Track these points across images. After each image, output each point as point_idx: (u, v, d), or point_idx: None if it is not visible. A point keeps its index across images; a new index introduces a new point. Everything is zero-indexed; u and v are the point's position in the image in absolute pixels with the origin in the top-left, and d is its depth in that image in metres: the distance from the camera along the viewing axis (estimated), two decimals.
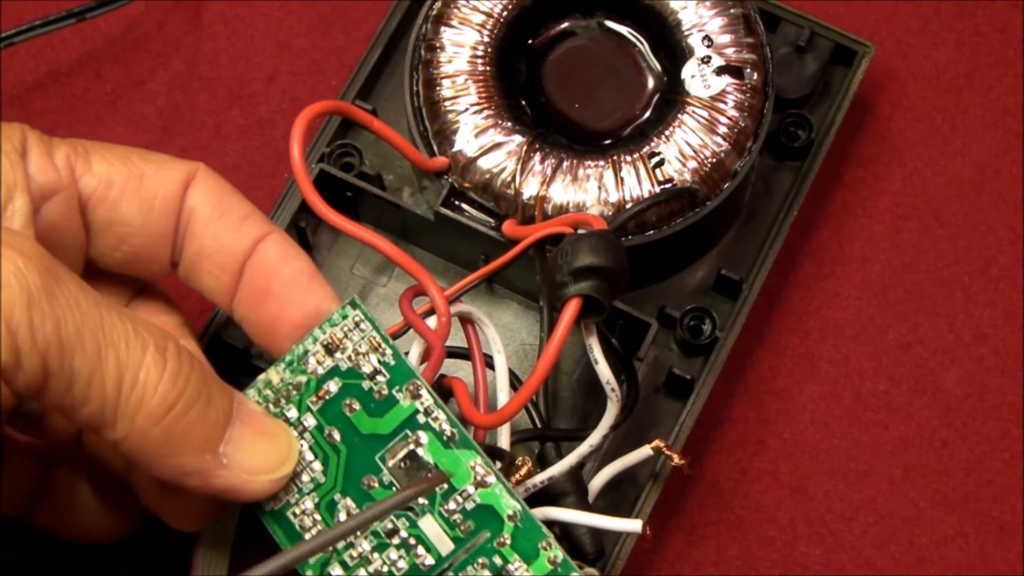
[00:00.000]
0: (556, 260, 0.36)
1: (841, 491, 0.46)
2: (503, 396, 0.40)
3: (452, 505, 0.35)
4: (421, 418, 0.35)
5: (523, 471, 0.39)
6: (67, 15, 0.49)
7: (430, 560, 0.35)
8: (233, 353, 0.44)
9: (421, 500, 0.35)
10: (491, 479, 0.35)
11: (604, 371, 0.37)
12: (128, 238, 0.37)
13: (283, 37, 0.52)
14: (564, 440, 0.41)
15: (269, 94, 0.52)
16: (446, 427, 0.35)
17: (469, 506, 0.35)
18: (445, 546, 0.34)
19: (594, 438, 0.38)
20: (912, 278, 0.49)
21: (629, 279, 0.37)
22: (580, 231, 0.38)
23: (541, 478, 0.38)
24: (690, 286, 0.46)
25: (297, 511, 0.36)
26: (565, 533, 0.40)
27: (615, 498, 0.43)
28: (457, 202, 0.45)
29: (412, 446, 0.35)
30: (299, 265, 0.38)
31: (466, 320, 0.40)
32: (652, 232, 0.43)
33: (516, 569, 0.34)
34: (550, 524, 0.39)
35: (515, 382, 0.41)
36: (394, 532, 0.35)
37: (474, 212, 0.45)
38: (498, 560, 0.34)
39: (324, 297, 0.38)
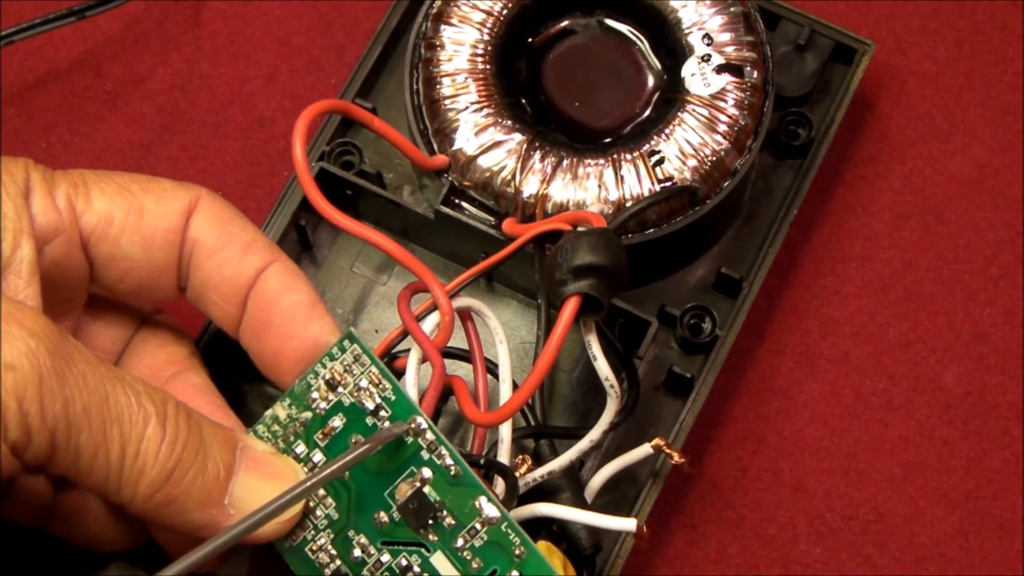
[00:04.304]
0: (556, 258, 0.36)
1: (841, 489, 0.46)
2: (506, 387, 0.40)
3: (461, 542, 0.35)
4: (425, 455, 0.35)
5: (522, 469, 0.39)
6: (67, 13, 0.49)
7: None
8: (235, 350, 0.44)
9: (432, 537, 0.35)
10: (496, 514, 0.34)
11: (603, 368, 0.37)
12: (131, 272, 0.37)
13: (283, 35, 0.52)
14: (562, 438, 0.41)
15: (269, 92, 0.52)
16: (450, 463, 0.35)
17: (477, 543, 0.35)
18: None
19: (594, 434, 0.38)
20: (912, 276, 0.49)
21: (629, 277, 0.37)
22: (580, 229, 0.38)
23: (541, 472, 0.39)
24: (690, 284, 0.46)
25: (314, 547, 0.36)
26: (562, 529, 0.40)
27: (615, 496, 0.43)
28: (457, 200, 0.45)
29: (418, 484, 0.35)
30: (298, 297, 0.38)
31: (466, 316, 0.40)
32: (652, 230, 0.43)
33: None
34: (547, 520, 0.39)
35: (514, 381, 0.41)
36: (407, 569, 0.35)
37: (474, 210, 0.45)
38: None
39: (324, 330, 0.38)
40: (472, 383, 0.40)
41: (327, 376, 0.36)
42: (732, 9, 0.45)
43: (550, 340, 0.35)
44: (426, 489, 0.35)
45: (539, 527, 0.40)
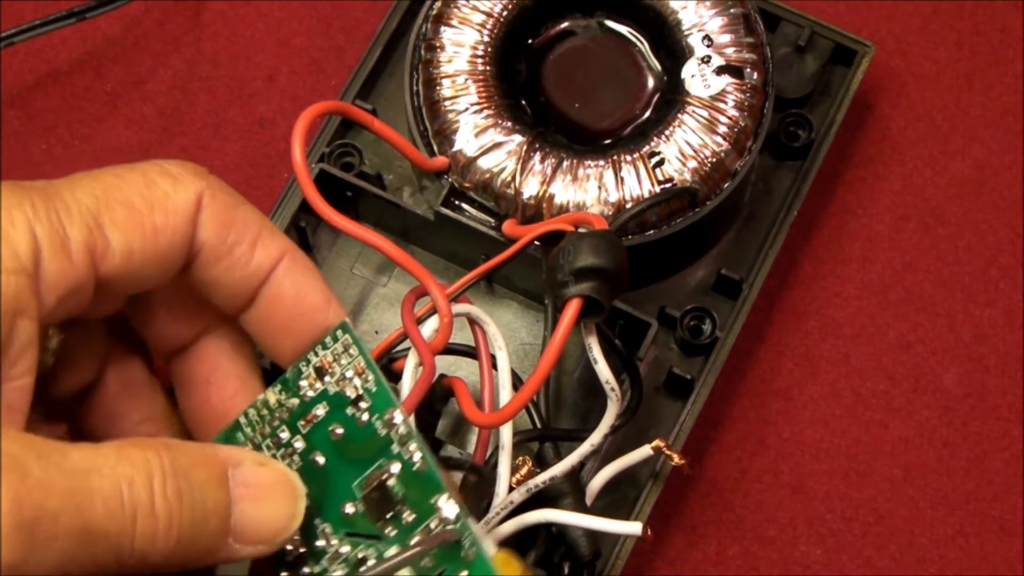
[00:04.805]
0: (557, 259, 0.36)
1: (841, 491, 0.46)
2: (505, 393, 0.40)
3: (416, 539, 0.34)
4: (395, 448, 0.35)
5: (523, 471, 0.39)
6: (67, 14, 0.49)
7: None
8: None
9: (389, 531, 0.35)
10: (453, 514, 0.34)
11: (603, 371, 0.37)
12: (143, 290, 0.36)
13: (283, 36, 0.52)
14: (565, 440, 0.41)
15: (269, 94, 0.52)
16: (417, 458, 0.35)
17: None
18: None
19: (595, 438, 0.38)
20: (912, 278, 0.49)
21: (629, 279, 0.37)
22: (581, 230, 0.38)
23: (543, 478, 0.38)
24: (690, 286, 0.46)
25: None
26: (562, 534, 0.40)
27: (615, 498, 0.43)
28: (457, 202, 0.45)
29: (384, 476, 0.35)
30: (314, 299, 0.37)
31: (471, 319, 0.40)
32: (652, 232, 0.43)
33: None
34: (548, 526, 0.39)
35: (516, 382, 0.41)
36: (363, 562, 0.35)
37: (474, 212, 0.45)
38: None
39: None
40: (474, 384, 0.40)
41: (317, 364, 0.36)
42: (732, 10, 0.45)
43: (551, 342, 0.35)
44: (391, 483, 0.35)
45: (538, 530, 0.40)
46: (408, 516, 0.35)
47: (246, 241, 0.37)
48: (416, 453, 0.35)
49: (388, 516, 0.35)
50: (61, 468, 0.30)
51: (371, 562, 0.35)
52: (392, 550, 0.35)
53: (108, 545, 0.31)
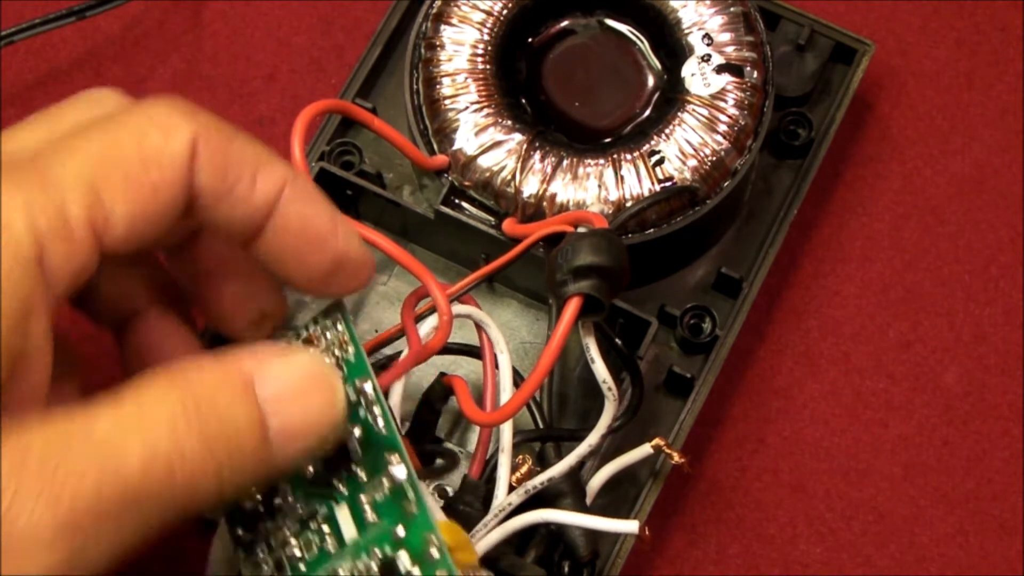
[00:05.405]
0: (557, 259, 0.36)
1: (841, 489, 0.46)
2: (506, 395, 0.40)
3: (365, 497, 0.34)
4: (361, 412, 0.35)
5: (523, 470, 0.39)
6: (67, 13, 0.49)
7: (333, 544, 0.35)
8: None
9: (343, 489, 0.35)
10: (403, 476, 0.34)
11: (601, 370, 0.37)
12: (144, 246, 0.35)
13: (283, 35, 0.52)
14: (567, 440, 0.41)
15: (269, 93, 0.52)
16: (380, 423, 0.35)
17: (379, 499, 0.34)
18: (349, 532, 0.34)
19: (592, 438, 0.38)
20: (912, 276, 0.49)
21: (630, 278, 0.37)
22: (581, 229, 0.38)
23: (541, 479, 0.38)
24: (690, 284, 0.46)
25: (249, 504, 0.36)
26: (561, 534, 0.40)
27: (615, 497, 0.43)
28: (457, 200, 0.45)
29: (346, 438, 0.35)
30: (321, 225, 0.36)
31: (474, 323, 0.40)
32: (652, 230, 0.44)
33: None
34: (546, 525, 0.39)
35: (517, 381, 0.41)
36: (313, 515, 0.35)
37: (474, 210, 0.45)
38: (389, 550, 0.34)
39: (350, 243, 0.36)
40: (475, 383, 0.40)
41: (305, 336, 0.37)
42: (732, 9, 0.45)
43: (552, 341, 0.35)
44: (351, 445, 0.35)
45: (537, 529, 0.40)
46: (362, 476, 0.35)
47: (246, 177, 0.35)
48: (380, 419, 0.34)
49: (344, 475, 0.35)
50: (90, 441, 0.30)
51: (325, 527, 0.35)
52: (343, 507, 0.35)
53: (153, 503, 0.31)
